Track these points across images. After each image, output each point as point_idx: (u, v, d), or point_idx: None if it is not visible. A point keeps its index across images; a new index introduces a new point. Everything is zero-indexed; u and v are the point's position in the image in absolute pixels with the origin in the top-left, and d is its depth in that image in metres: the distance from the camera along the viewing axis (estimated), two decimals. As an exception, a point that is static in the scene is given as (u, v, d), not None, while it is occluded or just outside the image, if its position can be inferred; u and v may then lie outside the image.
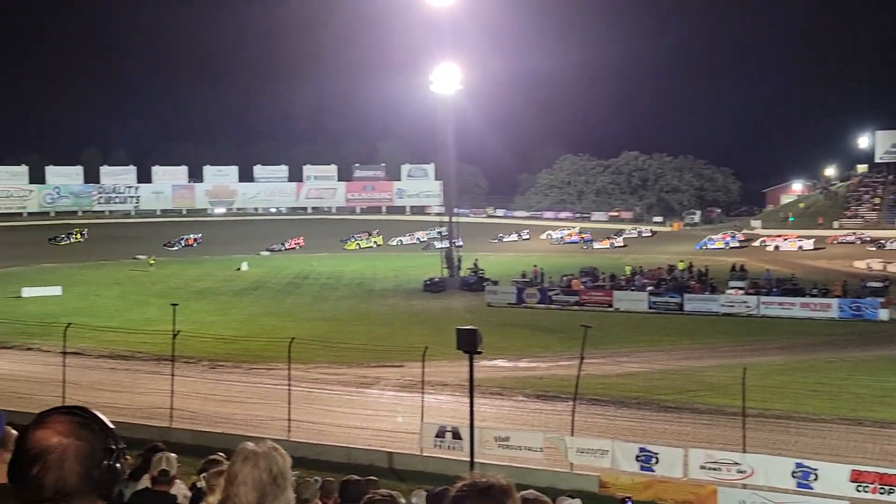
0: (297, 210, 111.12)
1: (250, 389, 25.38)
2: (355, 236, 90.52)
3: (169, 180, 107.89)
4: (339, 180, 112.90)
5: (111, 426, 2.22)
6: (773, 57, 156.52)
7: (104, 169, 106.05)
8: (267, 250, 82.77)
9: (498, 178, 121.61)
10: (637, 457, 18.47)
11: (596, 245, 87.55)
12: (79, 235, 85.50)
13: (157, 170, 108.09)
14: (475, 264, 59.18)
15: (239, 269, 68.12)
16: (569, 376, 23.16)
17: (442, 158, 73.87)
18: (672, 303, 45.90)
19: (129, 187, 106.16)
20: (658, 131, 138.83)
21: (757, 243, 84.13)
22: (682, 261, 60.66)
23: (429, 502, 7.69)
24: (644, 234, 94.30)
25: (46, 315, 39.26)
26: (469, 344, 16.43)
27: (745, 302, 45.02)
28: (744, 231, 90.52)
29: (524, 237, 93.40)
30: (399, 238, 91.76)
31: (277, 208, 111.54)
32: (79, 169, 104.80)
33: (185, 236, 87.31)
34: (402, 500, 5.41)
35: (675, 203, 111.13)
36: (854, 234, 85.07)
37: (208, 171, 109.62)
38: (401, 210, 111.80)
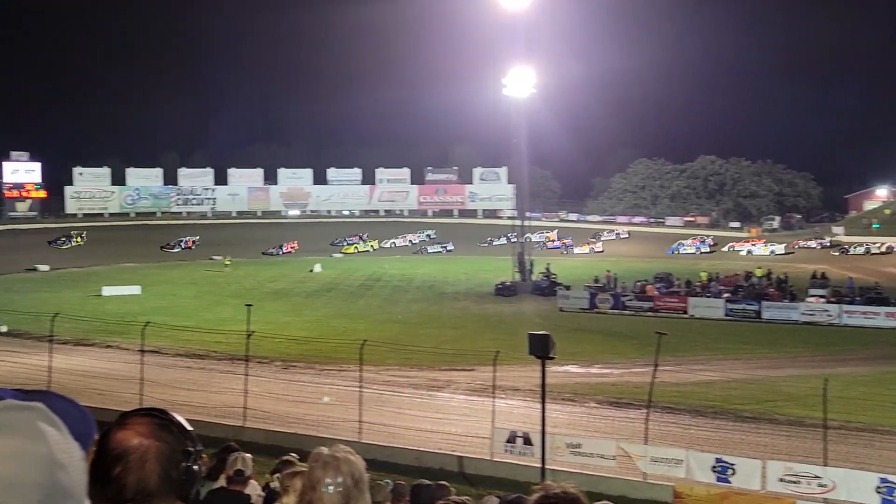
0: (370, 213, 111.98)
1: (322, 390, 25.52)
2: (349, 240, 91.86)
3: (245, 182, 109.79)
4: (411, 183, 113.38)
5: (189, 428, 2.24)
6: (856, 59, 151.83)
7: (182, 171, 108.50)
8: (264, 253, 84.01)
9: (571, 181, 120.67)
10: (713, 467, 18.05)
11: (576, 250, 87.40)
12: (79, 239, 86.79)
13: (233, 172, 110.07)
14: (547, 269, 58.82)
15: (312, 270, 69.04)
16: (642, 383, 22.78)
17: (514, 162, 73.68)
18: (749, 310, 44.84)
19: (206, 189, 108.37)
20: (735, 135, 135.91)
21: (726, 248, 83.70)
22: (759, 267, 59.40)
23: (502, 510, 7.59)
24: (622, 236, 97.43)
25: (126, 314, 40.36)
26: (541, 349, 16.30)
27: (826, 310, 43.79)
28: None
29: (512, 240, 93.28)
30: (392, 240, 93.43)
31: (350, 211, 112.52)
32: (158, 171, 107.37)
33: (185, 238, 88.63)
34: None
35: (753, 209, 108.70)
36: (814, 238, 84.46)
37: (283, 173, 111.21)
38: (473, 213, 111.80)
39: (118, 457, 2.06)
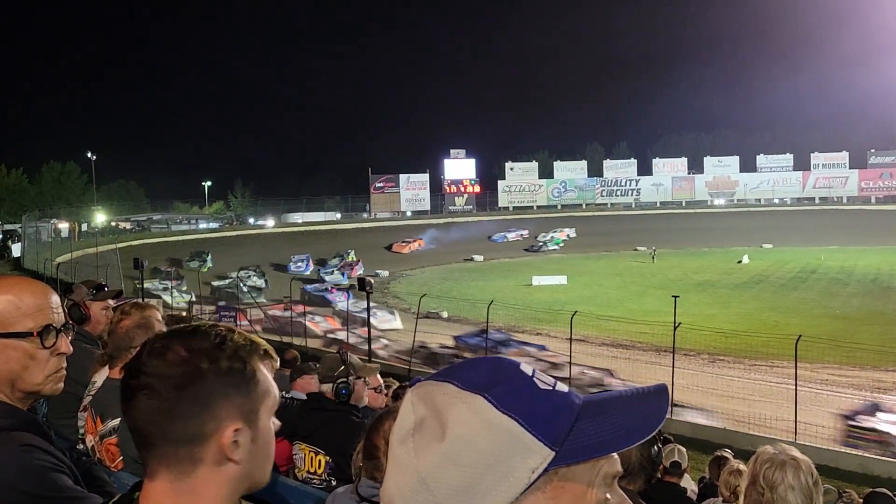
0: (803, 201, 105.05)
1: (752, 386, 24.43)
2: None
3: (669, 172, 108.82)
4: (850, 168, 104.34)
5: None
6: None
7: (607, 163, 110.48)
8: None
9: None
10: None
11: None
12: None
13: (657, 162, 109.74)
14: None
15: (740, 261, 66.82)
16: None
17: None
18: None
19: (630, 180, 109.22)
20: None
21: None
22: None
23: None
24: None
25: (553, 302, 42.14)
26: None
27: None
28: None
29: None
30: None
31: (780, 199, 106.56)
32: (583, 164, 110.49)
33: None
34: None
35: None
36: None
37: (708, 162, 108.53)
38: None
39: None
